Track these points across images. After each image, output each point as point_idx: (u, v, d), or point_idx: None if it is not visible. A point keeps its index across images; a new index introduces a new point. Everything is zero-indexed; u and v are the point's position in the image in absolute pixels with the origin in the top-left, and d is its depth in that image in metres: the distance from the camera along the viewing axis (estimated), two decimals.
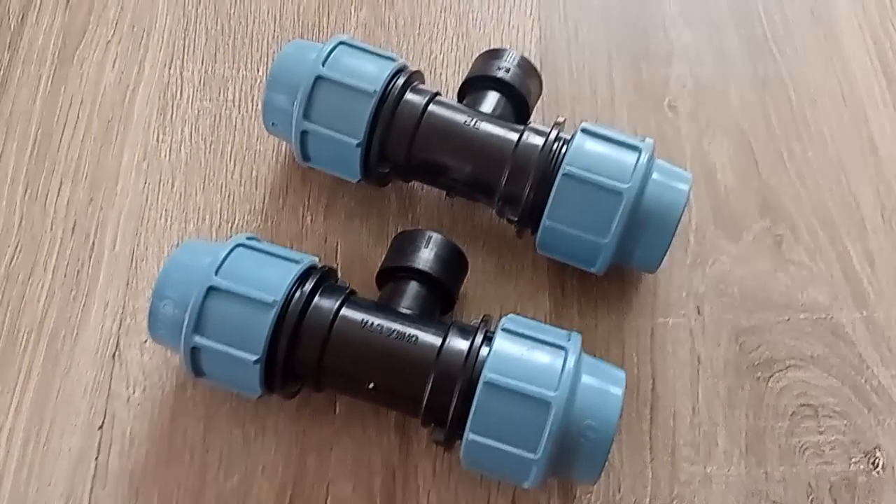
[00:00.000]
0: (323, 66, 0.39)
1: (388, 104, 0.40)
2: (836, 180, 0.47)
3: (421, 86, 0.42)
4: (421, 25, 0.51)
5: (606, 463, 0.34)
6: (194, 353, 0.35)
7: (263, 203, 0.45)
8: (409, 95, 0.41)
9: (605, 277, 0.43)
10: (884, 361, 0.42)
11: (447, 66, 0.49)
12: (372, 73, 0.40)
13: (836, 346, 0.42)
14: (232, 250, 0.36)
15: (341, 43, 0.41)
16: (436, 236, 0.40)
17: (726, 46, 0.50)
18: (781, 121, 0.48)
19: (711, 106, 0.48)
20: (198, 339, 0.34)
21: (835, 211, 0.46)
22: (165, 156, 0.46)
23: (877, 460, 0.40)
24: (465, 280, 0.42)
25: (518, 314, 0.37)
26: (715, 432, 0.40)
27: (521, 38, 0.51)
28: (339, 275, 0.43)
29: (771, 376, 0.41)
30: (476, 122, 0.40)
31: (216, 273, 0.35)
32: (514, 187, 0.39)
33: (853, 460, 0.40)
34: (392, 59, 0.41)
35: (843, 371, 0.42)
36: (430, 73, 0.49)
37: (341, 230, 0.45)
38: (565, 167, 0.38)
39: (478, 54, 0.45)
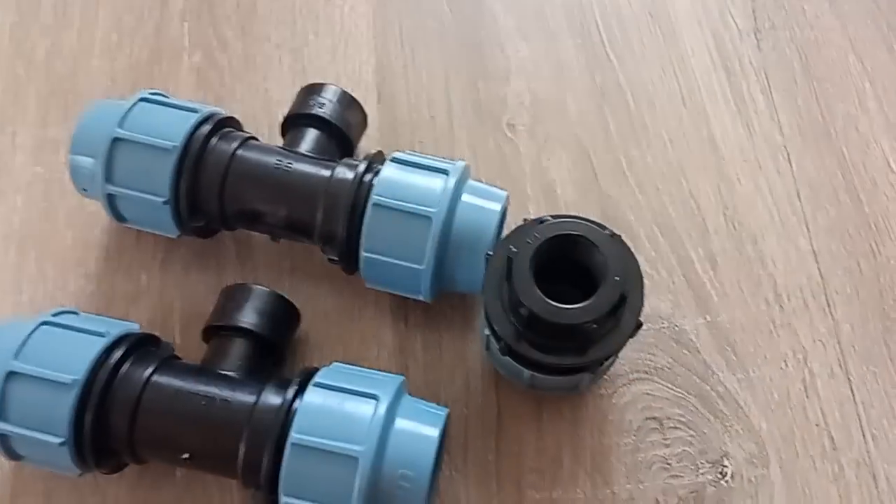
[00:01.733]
0: (120, 126, 0.39)
1: (191, 157, 0.39)
2: (677, 183, 0.46)
3: (233, 132, 0.41)
4: (255, 65, 0.50)
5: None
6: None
7: (97, 266, 0.44)
8: (216, 144, 0.40)
9: (447, 305, 0.43)
10: (729, 366, 0.41)
11: (283, 104, 0.48)
12: (172, 128, 0.39)
13: (679, 354, 0.42)
14: (35, 329, 0.35)
15: (141, 100, 0.40)
16: (259, 290, 0.39)
17: (563, 57, 0.50)
18: (620, 128, 0.47)
19: (549, 121, 0.48)
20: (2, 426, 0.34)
21: (675, 215, 0.45)
22: None
23: (724, 469, 0.39)
24: (307, 325, 0.42)
25: (344, 363, 0.37)
26: (560, 455, 0.39)
27: (359, 67, 0.50)
28: (178, 331, 0.43)
29: (615, 392, 0.41)
30: (287, 162, 0.40)
31: (15, 357, 0.34)
32: (330, 225, 0.38)
33: (701, 471, 0.39)
34: (194, 111, 0.40)
35: (689, 380, 0.41)
36: (267, 112, 0.48)
37: (178, 286, 0.44)
38: (374, 197, 0.37)
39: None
